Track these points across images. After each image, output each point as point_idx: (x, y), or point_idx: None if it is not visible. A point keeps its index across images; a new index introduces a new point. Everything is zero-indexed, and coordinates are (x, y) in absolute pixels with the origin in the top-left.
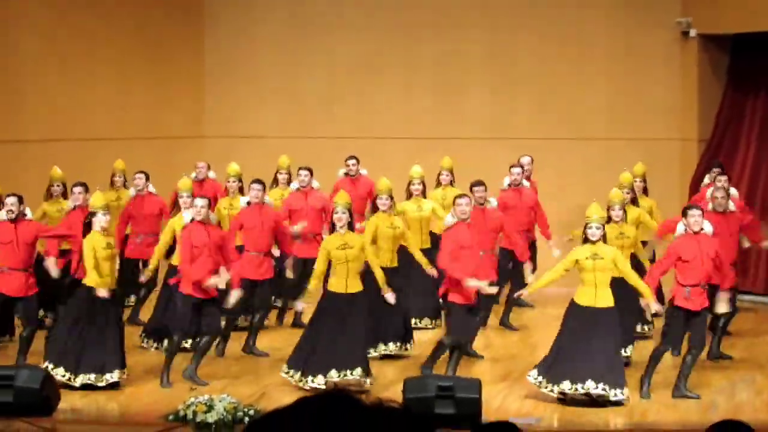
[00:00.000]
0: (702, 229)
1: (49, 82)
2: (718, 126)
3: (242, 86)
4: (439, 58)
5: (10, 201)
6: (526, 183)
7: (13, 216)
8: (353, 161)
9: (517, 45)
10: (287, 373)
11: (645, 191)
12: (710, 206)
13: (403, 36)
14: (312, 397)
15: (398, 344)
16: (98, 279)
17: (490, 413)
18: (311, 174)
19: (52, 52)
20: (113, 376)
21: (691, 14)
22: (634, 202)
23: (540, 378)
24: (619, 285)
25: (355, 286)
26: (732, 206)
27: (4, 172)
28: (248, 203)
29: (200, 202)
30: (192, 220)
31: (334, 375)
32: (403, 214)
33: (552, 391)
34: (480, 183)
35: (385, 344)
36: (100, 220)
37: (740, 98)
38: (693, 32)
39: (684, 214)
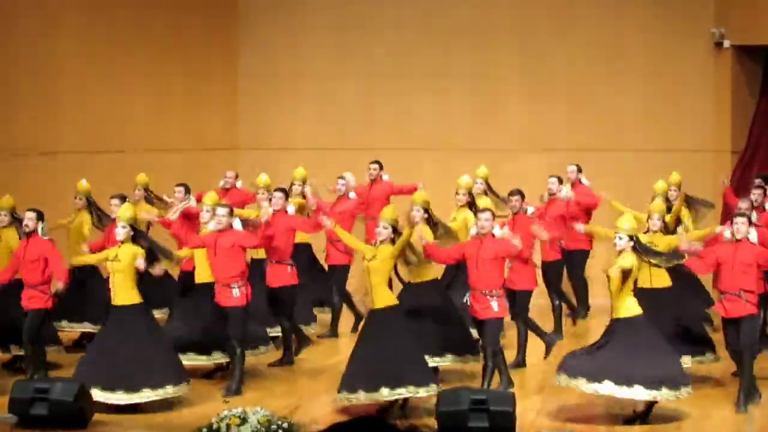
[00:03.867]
0: (746, 236)
1: (87, 94)
2: (752, 137)
3: (276, 97)
4: (475, 68)
5: (28, 215)
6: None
7: (28, 230)
8: (375, 165)
9: (552, 54)
10: (340, 398)
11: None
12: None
13: (438, 46)
14: (345, 422)
15: (458, 356)
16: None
17: (524, 426)
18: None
19: (90, 64)
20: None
21: (725, 25)
22: (669, 210)
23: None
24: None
25: (384, 300)
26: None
27: (42, 183)
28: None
29: (221, 210)
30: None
31: (362, 396)
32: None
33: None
34: (515, 192)
35: (441, 356)
36: (119, 233)
37: None
38: (727, 43)
39: (731, 220)
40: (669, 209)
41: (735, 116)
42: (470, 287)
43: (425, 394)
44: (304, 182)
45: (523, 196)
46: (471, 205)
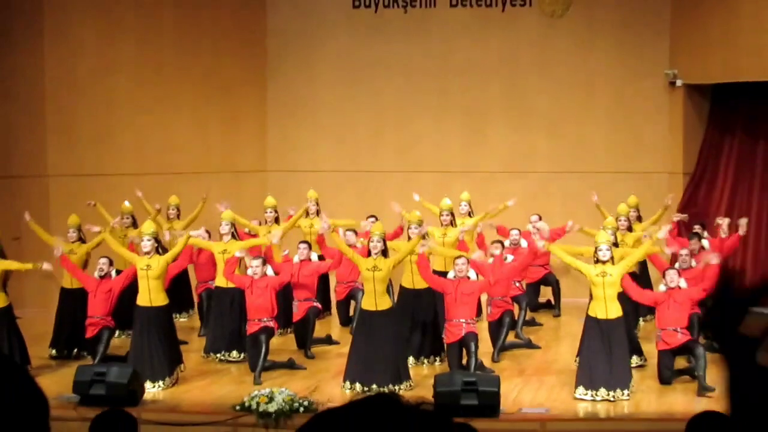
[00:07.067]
0: (678, 285)
1: (139, 124)
2: (700, 161)
3: (300, 127)
4: (467, 103)
5: (102, 261)
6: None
7: (102, 273)
8: (304, 245)
9: (532, 92)
10: (345, 387)
11: (639, 219)
12: (677, 265)
13: (437, 84)
14: (357, 400)
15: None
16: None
17: (507, 404)
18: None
19: (141, 99)
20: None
21: (678, 66)
22: (629, 229)
23: (587, 391)
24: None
25: (384, 304)
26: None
27: (100, 202)
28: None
29: (255, 262)
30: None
31: (357, 388)
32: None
33: (594, 397)
34: (496, 241)
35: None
36: (145, 245)
37: (719, 137)
38: (679, 82)
39: (662, 274)
40: (629, 228)
41: (686, 143)
42: (447, 318)
43: (403, 389)
44: (317, 202)
45: (503, 245)
46: (452, 222)
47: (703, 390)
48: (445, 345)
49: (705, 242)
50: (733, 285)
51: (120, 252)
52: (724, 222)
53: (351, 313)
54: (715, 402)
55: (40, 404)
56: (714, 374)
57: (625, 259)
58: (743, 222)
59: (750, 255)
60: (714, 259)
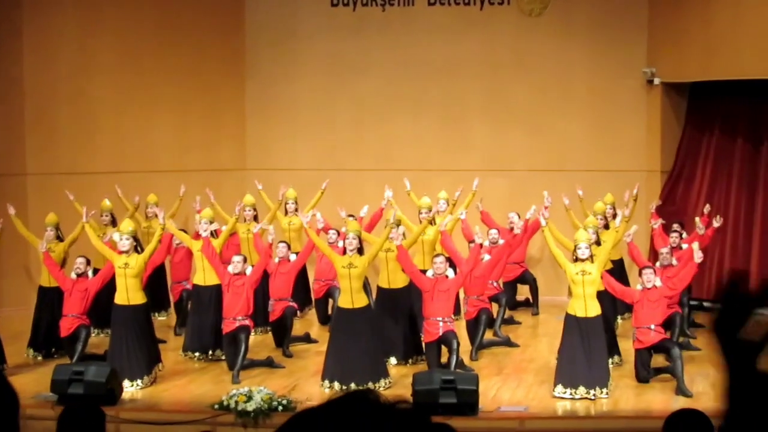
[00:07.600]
0: (654, 285)
1: (118, 122)
2: (678, 159)
3: (279, 125)
4: (446, 100)
5: (80, 260)
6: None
7: (80, 272)
8: (283, 245)
9: (512, 89)
10: (323, 385)
11: (614, 216)
12: (658, 263)
13: (415, 81)
14: (336, 398)
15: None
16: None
17: (486, 402)
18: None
19: (121, 98)
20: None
21: (656, 65)
22: (606, 227)
23: (565, 389)
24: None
25: (361, 301)
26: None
27: (79, 199)
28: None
29: (237, 258)
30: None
31: (336, 386)
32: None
33: (573, 395)
34: (472, 240)
35: (400, 357)
36: (123, 244)
37: (697, 136)
38: (657, 80)
39: (639, 273)
40: (606, 226)
41: (664, 142)
42: (424, 317)
43: (382, 386)
44: (295, 201)
45: (481, 246)
46: (432, 221)
47: (681, 393)
48: (423, 344)
49: (684, 245)
50: (739, 287)
51: (98, 246)
52: (697, 220)
53: (330, 312)
54: (693, 400)
55: (10, 400)
56: (692, 373)
57: (599, 257)
58: (719, 217)
59: (728, 252)
60: (696, 256)
